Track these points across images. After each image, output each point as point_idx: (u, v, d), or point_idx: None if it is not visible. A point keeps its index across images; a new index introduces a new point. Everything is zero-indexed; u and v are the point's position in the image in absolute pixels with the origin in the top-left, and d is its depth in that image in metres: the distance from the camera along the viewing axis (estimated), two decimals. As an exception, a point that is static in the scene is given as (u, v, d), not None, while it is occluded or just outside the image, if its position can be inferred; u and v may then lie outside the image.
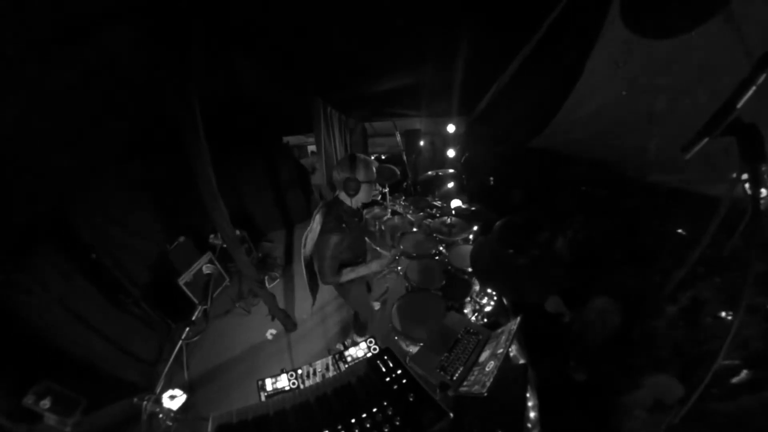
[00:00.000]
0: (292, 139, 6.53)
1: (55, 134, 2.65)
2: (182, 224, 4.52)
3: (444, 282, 3.11)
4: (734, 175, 1.55)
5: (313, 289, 2.75)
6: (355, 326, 3.26)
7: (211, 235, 4.61)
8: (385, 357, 1.78)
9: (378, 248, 2.94)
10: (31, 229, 2.99)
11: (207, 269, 4.37)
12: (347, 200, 2.29)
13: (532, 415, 1.79)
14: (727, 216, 1.59)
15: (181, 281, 4.06)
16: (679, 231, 2.09)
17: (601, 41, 1.92)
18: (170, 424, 2.63)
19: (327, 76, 3.43)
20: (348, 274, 2.41)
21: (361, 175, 2.21)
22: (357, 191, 2.24)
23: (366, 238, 2.82)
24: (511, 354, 2.15)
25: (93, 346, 3.11)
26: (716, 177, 1.76)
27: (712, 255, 1.75)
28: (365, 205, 2.79)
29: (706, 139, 1.37)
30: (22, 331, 2.74)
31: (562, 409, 1.94)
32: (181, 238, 4.36)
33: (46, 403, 2.82)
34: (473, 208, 4.01)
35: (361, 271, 2.46)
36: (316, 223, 2.36)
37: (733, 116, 1.20)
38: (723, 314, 1.73)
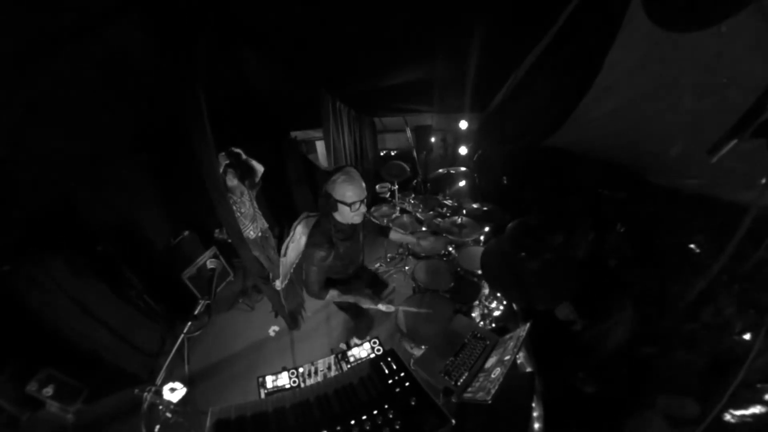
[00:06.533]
0: (299, 134, 6.49)
1: (63, 127, 2.67)
2: (187, 218, 4.52)
3: (452, 284, 3.05)
4: (763, 180, 1.47)
5: (296, 308, 2.70)
6: (356, 329, 3.08)
7: (216, 230, 4.60)
8: (389, 359, 1.75)
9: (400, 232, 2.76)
10: (38, 221, 3.02)
11: (211, 264, 4.33)
12: (338, 216, 2.13)
13: (536, 426, 1.74)
14: (754, 226, 1.49)
15: (185, 275, 4.07)
16: (694, 246, 2.00)
17: (622, 34, 1.82)
18: (169, 416, 2.64)
19: (336, 70, 3.39)
20: (333, 296, 2.28)
21: (336, 193, 1.99)
22: (334, 208, 2.05)
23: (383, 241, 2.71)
24: (519, 361, 2.10)
25: (96, 336, 3.14)
26: (744, 183, 1.67)
27: (736, 267, 1.66)
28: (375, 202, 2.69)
29: (734, 141, 1.29)
30: (26, 320, 2.77)
31: (569, 423, 1.87)
32: (186, 233, 4.36)
33: (48, 390, 2.86)
34: (485, 209, 3.92)
35: (348, 298, 2.34)
36: (297, 233, 2.28)
37: (764, 117, 1.13)
38: (744, 331, 1.64)
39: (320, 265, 2.10)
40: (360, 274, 2.67)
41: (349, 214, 2.04)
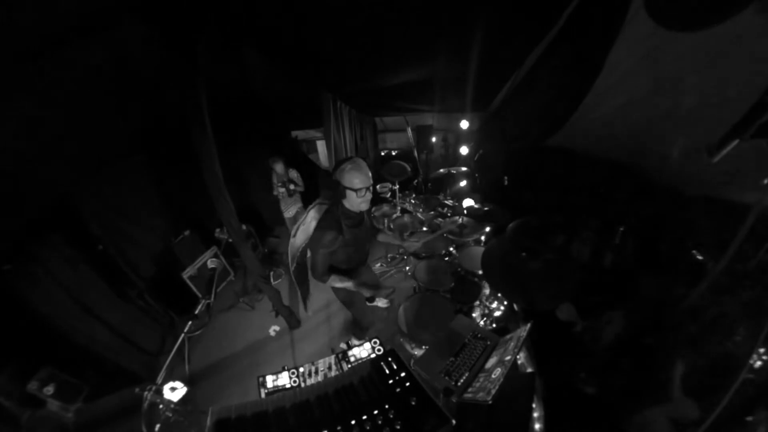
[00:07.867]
0: (300, 134, 6.49)
1: (65, 127, 2.67)
2: (188, 218, 4.53)
3: (453, 284, 3.04)
4: (765, 181, 1.46)
5: (304, 293, 2.72)
6: (354, 329, 3.18)
7: (217, 230, 4.61)
8: (389, 359, 1.75)
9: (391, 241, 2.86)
10: (40, 220, 3.03)
11: (212, 263, 4.33)
12: (346, 203, 2.21)
13: (537, 426, 1.74)
14: (756, 226, 1.49)
15: (185, 275, 4.06)
16: (696, 247, 1.98)
17: (624, 34, 1.82)
18: (170, 415, 2.64)
19: (336, 70, 3.38)
20: (335, 281, 2.34)
21: (345, 180, 2.09)
22: (342, 195, 2.15)
23: (372, 242, 2.73)
24: (519, 362, 2.09)
25: (97, 335, 3.15)
26: (746, 183, 1.67)
27: (738, 268, 1.65)
28: (375, 202, 2.71)
29: (735, 141, 1.29)
30: (27, 319, 2.78)
31: (569, 423, 1.87)
32: (187, 232, 4.36)
33: (49, 389, 2.86)
34: (486, 209, 3.92)
35: (348, 284, 2.38)
36: (309, 217, 2.35)
37: (765, 117, 1.12)
38: (745, 332, 1.63)
39: (327, 249, 2.17)
40: (363, 270, 2.71)
41: (356, 201, 2.13)
